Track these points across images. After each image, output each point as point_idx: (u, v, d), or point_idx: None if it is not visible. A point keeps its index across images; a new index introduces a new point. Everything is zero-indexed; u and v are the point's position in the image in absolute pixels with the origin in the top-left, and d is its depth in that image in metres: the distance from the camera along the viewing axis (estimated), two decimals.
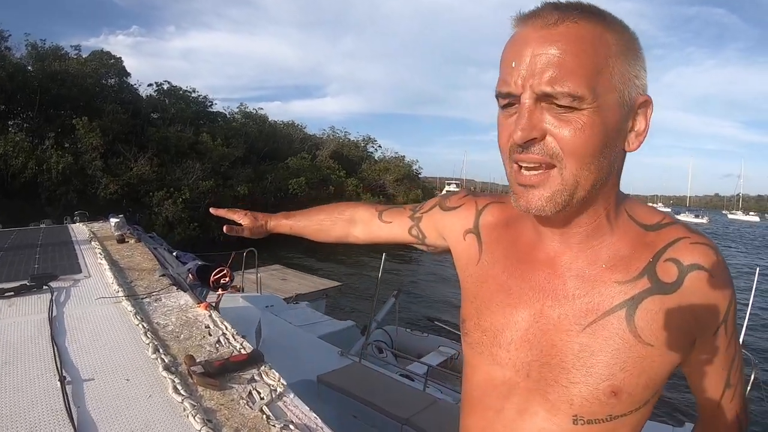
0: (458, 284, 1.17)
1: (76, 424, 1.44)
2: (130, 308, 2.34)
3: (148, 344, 1.97)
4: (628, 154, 0.89)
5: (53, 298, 2.46)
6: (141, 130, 27.97)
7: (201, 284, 2.70)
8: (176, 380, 1.71)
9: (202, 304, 2.41)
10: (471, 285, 1.11)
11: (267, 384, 1.76)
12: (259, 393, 1.70)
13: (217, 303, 2.51)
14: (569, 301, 0.93)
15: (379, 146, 49.08)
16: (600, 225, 0.91)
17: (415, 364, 7.37)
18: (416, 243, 1.37)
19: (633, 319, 0.87)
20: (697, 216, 79.61)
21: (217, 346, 2.05)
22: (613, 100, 0.81)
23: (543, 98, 0.80)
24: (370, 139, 48.62)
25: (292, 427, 1.52)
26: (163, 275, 2.88)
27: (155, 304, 2.48)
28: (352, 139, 46.91)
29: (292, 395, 1.73)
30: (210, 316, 2.34)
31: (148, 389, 1.70)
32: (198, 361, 1.80)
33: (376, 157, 47.52)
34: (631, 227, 0.93)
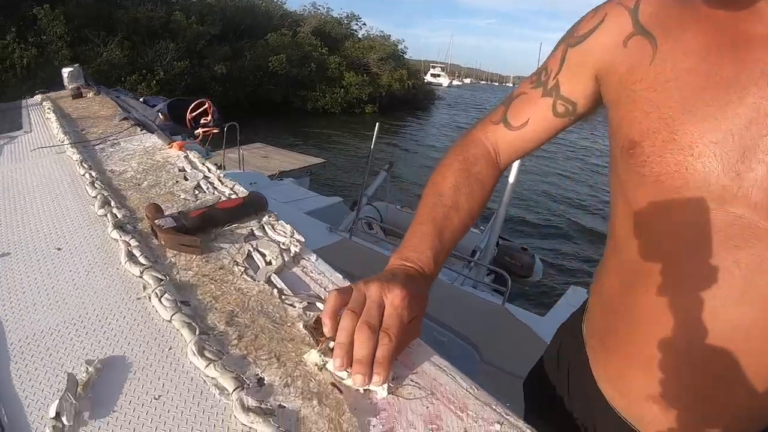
0: None
1: None
2: (75, 156, 1.67)
3: (95, 197, 1.32)
4: None
5: None
6: (108, 13, 25.74)
7: (175, 124, 2.01)
8: (132, 242, 1.08)
9: (175, 143, 1.74)
10: (644, 91, 0.78)
11: (275, 241, 1.14)
12: (263, 255, 1.08)
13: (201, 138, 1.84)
14: None
15: (364, 24, 46.89)
16: None
17: None
18: (569, 122, 0.98)
19: None
20: None
21: (197, 192, 1.40)
22: None
23: None
24: (353, 16, 46.06)
25: (320, 305, 0.92)
26: (125, 119, 2.18)
27: (110, 150, 1.81)
28: (334, 15, 44.46)
29: (314, 257, 1.11)
30: (186, 157, 1.67)
31: (88, 260, 1.08)
32: (168, 213, 1.14)
33: (360, 36, 45.43)
34: None
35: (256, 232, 1.17)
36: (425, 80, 62.30)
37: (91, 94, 3.33)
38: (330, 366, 0.77)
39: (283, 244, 1.11)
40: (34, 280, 1.00)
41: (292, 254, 1.08)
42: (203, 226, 1.12)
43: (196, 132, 1.87)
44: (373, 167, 7.44)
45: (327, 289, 1.00)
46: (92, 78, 3.89)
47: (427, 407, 0.69)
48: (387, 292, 0.77)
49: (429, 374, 0.77)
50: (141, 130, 2.02)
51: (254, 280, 0.99)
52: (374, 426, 0.66)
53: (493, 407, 0.69)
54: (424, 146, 24.91)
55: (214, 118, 1.97)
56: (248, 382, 0.74)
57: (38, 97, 4.07)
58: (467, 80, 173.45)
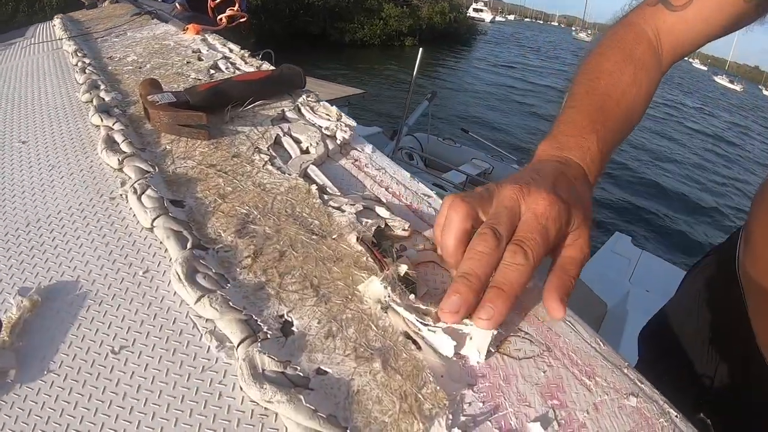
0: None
1: None
2: (71, 48, 1.35)
3: (83, 84, 1.00)
4: None
5: None
6: None
7: (195, 14, 1.69)
8: (116, 126, 0.77)
9: (190, 26, 1.42)
10: None
11: (314, 126, 0.81)
12: (297, 142, 0.75)
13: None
14: None
15: None
16: None
17: (451, 172, 6.51)
18: (749, 8, 0.67)
19: None
20: (731, 81, 72.67)
21: (212, 72, 1.09)
22: None
23: None
24: None
25: (382, 211, 0.61)
26: (138, 14, 1.85)
27: (114, 40, 1.49)
28: None
29: (369, 148, 0.79)
30: (204, 39, 1.34)
31: (57, 153, 0.79)
32: (167, 89, 0.82)
33: None
34: None
35: (289, 114, 0.84)
36: (467, 15, 60.34)
37: (106, 3, 3.01)
38: (404, 311, 0.46)
39: (327, 129, 0.78)
40: None
41: (339, 142, 0.75)
42: (214, 104, 0.80)
43: (219, 18, 1.53)
44: (413, 97, 7.03)
45: (389, 190, 0.68)
46: None
47: (545, 372, 0.44)
48: (525, 195, 0.51)
49: (542, 321, 0.49)
50: (152, 18, 1.69)
51: (283, 173, 0.66)
52: (470, 404, 0.41)
53: (625, 371, 0.46)
54: (464, 82, 24.11)
55: (242, 8, 1.63)
56: (266, 329, 0.44)
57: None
58: (511, 17, 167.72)
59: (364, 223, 0.57)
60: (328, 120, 0.82)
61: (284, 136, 0.75)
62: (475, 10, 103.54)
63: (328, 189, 0.63)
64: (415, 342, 0.44)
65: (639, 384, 0.44)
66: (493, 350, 0.45)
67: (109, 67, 1.16)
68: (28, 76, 1.21)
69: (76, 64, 1.18)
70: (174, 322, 0.46)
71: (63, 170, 0.72)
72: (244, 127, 0.79)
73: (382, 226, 0.57)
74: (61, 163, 0.74)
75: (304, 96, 0.90)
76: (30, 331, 0.46)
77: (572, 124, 0.65)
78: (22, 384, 0.42)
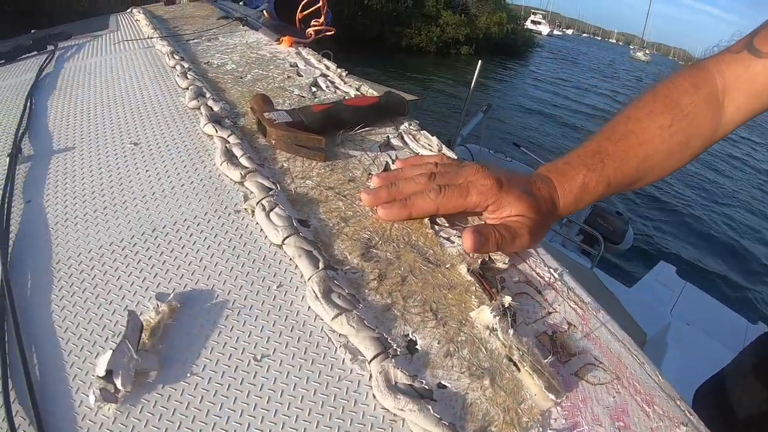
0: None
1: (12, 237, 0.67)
2: (165, 49, 1.41)
3: (187, 88, 1.06)
4: None
5: (54, 57, 1.53)
6: None
7: (281, 24, 1.74)
8: (232, 139, 0.82)
9: (284, 38, 1.48)
10: None
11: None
12: None
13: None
14: None
15: None
16: None
17: None
18: None
19: None
20: None
21: (314, 89, 1.14)
22: None
23: None
24: None
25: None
26: (225, 17, 1.92)
27: (207, 44, 1.56)
28: None
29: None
30: (298, 53, 1.40)
31: (172, 159, 0.84)
32: (278, 107, 0.88)
33: None
34: None
35: (393, 141, 0.89)
36: (525, 27, 59.56)
37: (185, 0, 3.11)
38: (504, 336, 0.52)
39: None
40: (99, 181, 0.78)
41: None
42: (326, 127, 0.85)
43: (307, 31, 1.58)
44: (469, 108, 7.01)
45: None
46: None
47: (614, 397, 0.51)
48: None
49: (613, 352, 0.55)
50: (243, 25, 1.76)
51: None
52: (555, 419, 0.48)
53: (678, 403, 0.51)
54: (519, 95, 23.81)
55: (327, 20, 1.68)
56: (395, 346, 0.49)
57: (129, 9, 3.89)
58: (569, 31, 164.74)
59: (472, 256, 0.61)
60: (430, 150, 0.86)
61: (393, 163, 0.80)
62: (533, 22, 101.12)
63: (437, 219, 0.67)
64: (515, 364, 0.49)
65: (688, 415, 0.50)
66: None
67: (209, 74, 1.22)
68: (124, 75, 1.25)
69: (174, 67, 1.24)
70: (310, 335, 0.51)
71: (182, 177, 0.77)
72: (355, 151, 0.84)
73: (486, 259, 0.61)
74: (179, 170, 0.79)
75: (406, 124, 0.95)
76: (170, 335, 0.50)
77: (573, 155, 0.73)
78: (164, 385, 0.46)
